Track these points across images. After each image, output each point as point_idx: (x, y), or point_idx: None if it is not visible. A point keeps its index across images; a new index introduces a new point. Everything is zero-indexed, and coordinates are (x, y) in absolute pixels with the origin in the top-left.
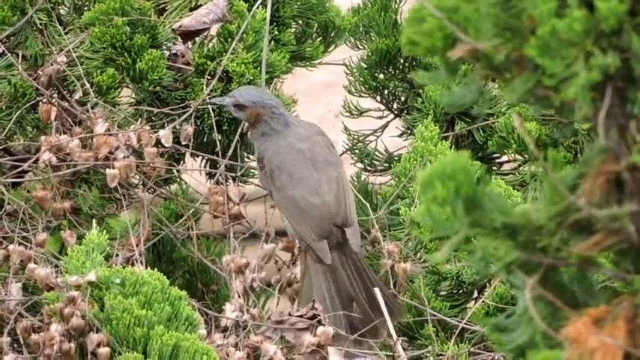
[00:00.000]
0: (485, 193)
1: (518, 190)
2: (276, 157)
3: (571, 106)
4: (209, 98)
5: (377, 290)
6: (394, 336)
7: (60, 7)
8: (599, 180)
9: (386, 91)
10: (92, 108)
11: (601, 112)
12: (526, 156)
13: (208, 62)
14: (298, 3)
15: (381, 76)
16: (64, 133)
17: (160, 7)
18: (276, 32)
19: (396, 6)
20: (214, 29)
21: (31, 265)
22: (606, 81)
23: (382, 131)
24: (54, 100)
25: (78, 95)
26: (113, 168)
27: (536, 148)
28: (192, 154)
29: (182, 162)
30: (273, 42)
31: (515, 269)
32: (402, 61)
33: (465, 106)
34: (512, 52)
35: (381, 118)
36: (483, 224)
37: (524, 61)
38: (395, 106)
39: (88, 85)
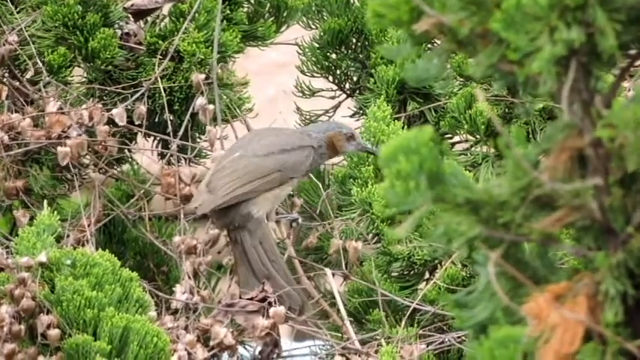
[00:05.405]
0: (448, 168)
1: (470, 171)
2: None
3: (535, 81)
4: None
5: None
6: (345, 319)
7: None
8: (563, 156)
9: (338, 71)
10: (44, 87)
11: (565, 87)
12: (478, 137)
13: (160, 42)
14: None
15: (334, 55)
16: (16, 112)
17: None
18: (228, 11)
19: None
20: (166, 8)
21: None
22: (570, 56)
23: (334, 111)
24: (5, 80)
25: (29, 74)
26: (65, 146)
27: (498, 123)
28: (144, 134)
29: (134, 142)
30: (225, 21)
31: (478, 245)
32: (354, 40)
33: (429, 80)
34: (477, 25)
35: (333, 98)
36: (446, 199)
37: (489, 35)
38: (347, 86)
39: (39, 64)
